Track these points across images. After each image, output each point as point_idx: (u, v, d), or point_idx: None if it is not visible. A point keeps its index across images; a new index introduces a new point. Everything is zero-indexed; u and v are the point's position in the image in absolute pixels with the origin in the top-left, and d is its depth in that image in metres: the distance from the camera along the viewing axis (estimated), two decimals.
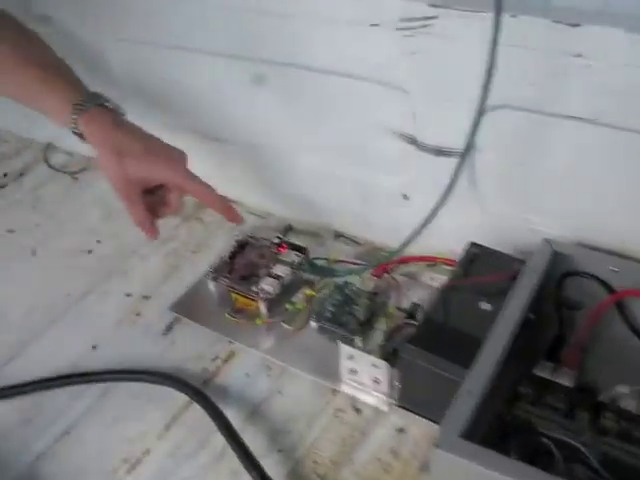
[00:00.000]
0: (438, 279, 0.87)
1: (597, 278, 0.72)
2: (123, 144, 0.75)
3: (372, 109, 0.82)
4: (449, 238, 0.85)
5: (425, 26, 0.69)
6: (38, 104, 0.80)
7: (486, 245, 0.79)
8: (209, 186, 0.79)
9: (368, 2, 0.73)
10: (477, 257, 0.77)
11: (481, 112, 0.71)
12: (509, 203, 0.81)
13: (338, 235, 0.97)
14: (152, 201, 0.80)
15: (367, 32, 0.74)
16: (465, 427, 0.57)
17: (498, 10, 0.63)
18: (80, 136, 0.77)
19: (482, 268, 0.76)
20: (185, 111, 0.98)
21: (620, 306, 0.71)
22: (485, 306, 0.72)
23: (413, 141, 0.81)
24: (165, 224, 0.96)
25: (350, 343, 0.78)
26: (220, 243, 0.97)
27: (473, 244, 0.79)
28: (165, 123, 0.90)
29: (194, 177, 0.78)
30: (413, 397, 0.73)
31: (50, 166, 1.17)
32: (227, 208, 0.82)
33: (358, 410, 0.76)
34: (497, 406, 0.67)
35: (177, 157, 0.79)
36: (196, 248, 0.98)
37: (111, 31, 0.96)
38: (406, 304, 0.84)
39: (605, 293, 0.72)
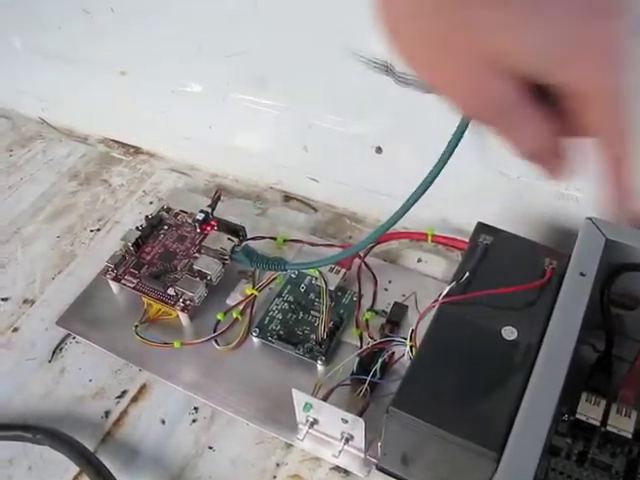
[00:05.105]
0: (429, 262, 0.63)
1: None
2: None
3: (328, 19, 0.55)
4: (443, 208, 0.60)
5: None
6: None
7: (498, 227, 0.54)
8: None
9: None
10: (490, 248, 0.52)
11: None
12: None
13: (287, 198, 0.71)
14: None
15: None
16: None
17: None
18: None
19: (499, 266, 0.51)
20: None
21: None
22: (510, 333, 0.47)
23: (389, 70, 0.55)
24: (58, 190, 0.71)
25: (308, 369, 0.55)
26: (131, 217, 0.72)
27: (483, 226, 0.54)
28: None
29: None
30: (402, 461, 0.49)
31: None
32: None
33: (323, 476, 0.52)
34: None
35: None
36: (99, 225, 0.72)
37: None
38: (385, 302, 0.60)
39: None
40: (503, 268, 0.51)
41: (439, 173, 0.48)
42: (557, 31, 0.31)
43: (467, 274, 0.50)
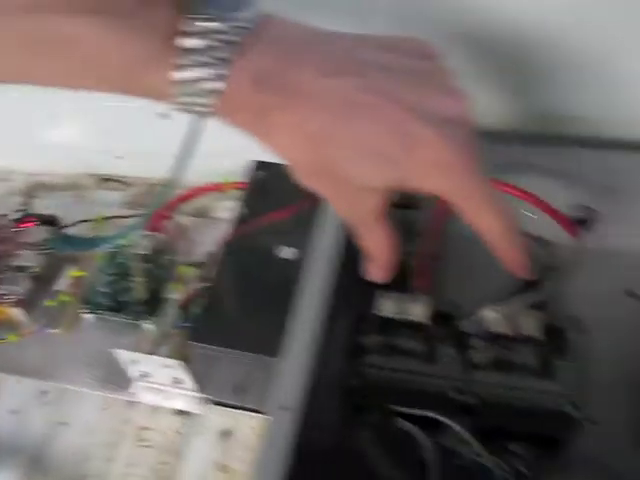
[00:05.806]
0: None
1: None
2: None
3: None
4: (240, 155, 0.64)
5: None
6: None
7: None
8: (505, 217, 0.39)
9: None
10: (267, 182, 0.57)
11: None
12: None
13: (102, 180, 0.75)
14: None
15: None
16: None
17: None
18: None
19: (276, 197, 0.56)
20: None
21: None
22: (287, 252, 0.52)
23: None
24: None
25: (139, 330, 0.59)
26: None
27: (259, 164, 0.58)
28: None
29: (478, 192, 0.37)
30: (233, 390, 0.54)
31: None
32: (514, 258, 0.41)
33: (167, 422, 0.57)
34: (336, 375, 0.49)
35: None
36: None
37: None
38: (202, 255, 0.64)
39: None
40: (279, 197, 0.56)
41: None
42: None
43: (246, 208, 0.55)
